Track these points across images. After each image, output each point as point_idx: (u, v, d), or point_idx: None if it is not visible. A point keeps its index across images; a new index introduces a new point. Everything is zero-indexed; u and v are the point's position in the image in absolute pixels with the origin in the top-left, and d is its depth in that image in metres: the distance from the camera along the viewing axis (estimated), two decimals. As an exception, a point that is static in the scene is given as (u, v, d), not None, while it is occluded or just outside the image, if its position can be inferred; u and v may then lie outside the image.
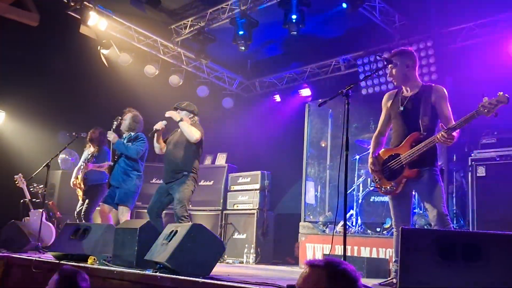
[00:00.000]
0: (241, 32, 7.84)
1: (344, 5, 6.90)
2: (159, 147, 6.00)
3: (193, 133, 5.73)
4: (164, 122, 5.95)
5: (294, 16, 7.14)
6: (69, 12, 7.93)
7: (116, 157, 6.26)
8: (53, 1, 7.81)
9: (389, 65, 4.27)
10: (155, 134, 5.91)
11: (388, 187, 4.16)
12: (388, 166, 4.17)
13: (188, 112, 5.98)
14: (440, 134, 3.82)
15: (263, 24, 8.02)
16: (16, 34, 7.43)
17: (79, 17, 7.82)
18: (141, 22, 8.63)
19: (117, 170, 6.21)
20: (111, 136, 6.13)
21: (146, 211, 8.66)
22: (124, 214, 6.11)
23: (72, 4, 7.87)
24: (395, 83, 4.31)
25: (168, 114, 5.78)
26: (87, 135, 7.10)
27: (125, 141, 6.24)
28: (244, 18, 7.74)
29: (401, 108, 4.19)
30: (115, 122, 6.33)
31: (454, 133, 3.82)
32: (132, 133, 6.34)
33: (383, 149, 4.35)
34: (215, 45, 8.73)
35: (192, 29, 8.61)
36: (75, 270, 3.32)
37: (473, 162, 5.99)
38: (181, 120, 5.76)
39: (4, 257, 5.55)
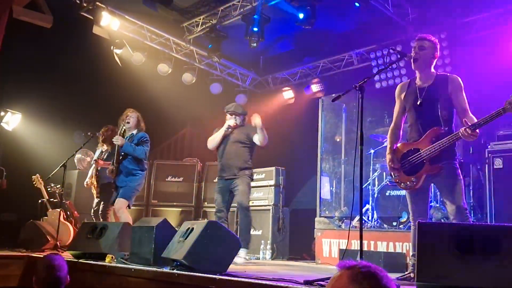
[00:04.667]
0: (255, 29, 7.81)
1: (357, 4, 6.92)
2: (217, 143, 6.27)
3: (266, 140, 6.08)
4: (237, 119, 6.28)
5: (301, 15, 7.15)
6: (82, 13, 7.99)
7: (120, 158, 6.30)
8: (66, 2, 7.86)
9: (419, 45, 4.15)
10: (229, 130, 6.24)
11: (408, 182, 4.12)
12: (408, 161, 4.13)
13: (243, 116, 6.31)
14: (464, 130, 3.77)
15: (274, 20, 7.99)
16: (30, 36, 7.50)
17: (91, 17, 7.87)
18: (153, 21, 8.66)
19: (123, 172, 6.28)
20: (119, 140, 6.18)
21: (162, 209, 8.85)
22: (121, 207, 6.14)
23: (85, 5, 7.92)
24: (414, 66, 4.19)
25: (257, 123, 5.96)
26: (101, 135, 7.16)
27: (128, 140, 6.27)
28: (257, 14, 7.72)
29: (420, 101, 4.14)
30: (123, 127, 6.35)
31: (477, 129, 3.77)
32: (134, 132, 6.37)
33: (401, 143, 4.30)
34: (227, 42, 8.74)
35: (204, 26, 8.62)
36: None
37: (490, 154, 5.92)
38: (262, 130, 6.01)
39: (23, 256, 5.63)
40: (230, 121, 6.26)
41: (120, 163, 6.29)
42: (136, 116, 6.46)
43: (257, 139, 6.11)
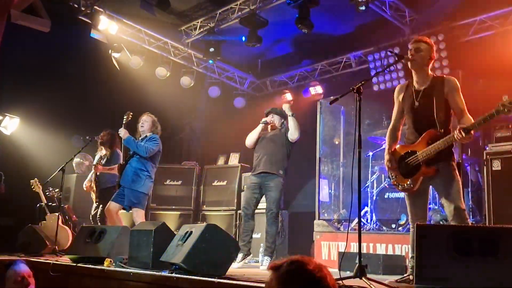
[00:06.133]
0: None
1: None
2: (254, 139, 6.31)
3: (298, 130, 6.12)
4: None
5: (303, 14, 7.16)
6: (80, 17, 7.99)
7: (127, 157, 6.26)
8: (64, 6, 7.87)
9: (415, 47, 4.15)
10: (263, 125, 6.30)
11: (405, 185, 4.13)
12: (405, 163, 4.13)
13: (280, 116, 6.34)
14: (457, 134, 3.77)
15: (272, 23, 8.00)
16: (28, 40, 7.50)
17: (90, 21, 7.88)
18: (151, 25, 8.66)
19: (128, 171, 6.16)
20: (122, 132, 6.13)
21: (160, 212, 8.84)
22: (139, 216, 6.07)
23: (83, 9, 7.92)
24: (410, 65, 4.18)
25: (284, 107, 6.11)
26: (99, 138, 7.15)
27: (139, 137, 6.25)
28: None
29: (416, 104, 4.14)
30: (125, 117, 6.29)
31: (472, 131, 3.77)
32: (148, 135, 6.35)
33: (399, 145, 4.30)
34: (225, 45, 8.74)
35: (202, 30, 8.63)
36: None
37: (488, 156, 5.92)
38: (293, 115, 6.07)
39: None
40: (266, 118, 6.33)
41: (128, 161, 6.22)
42: (151, 120, 6.42)
43: (288, 132, 6.13)
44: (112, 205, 6.14)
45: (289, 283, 1.55)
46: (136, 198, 6.09)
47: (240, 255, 5.74)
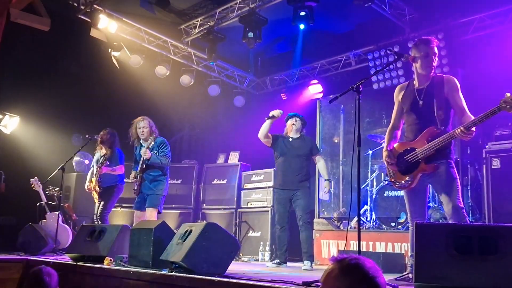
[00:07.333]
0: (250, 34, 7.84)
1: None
2: (266, 134, 6.43)
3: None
4: (281, 111, 6.41)
5: (303, 13, 7.14)
6: (79, 16, 7.99)
7: (143, 166, 6.34)
8: (63, 5, 7.87)
9: (433, 52, 4.14)
10: (270, 120, 6.36)
11: (403, 181, 4.13)
12: (404, 160, 4.14)
13: (302, 122, 6.58)
14: (459, 130, 3.77)
15: (272, 21, 8.00)
16: (28, 39, 7.50)
17: (89, 20, 7.87)
18: (151, 23, 8.66)
19: (147, 180, 6.37)
20: (147, 154, 6.23)
21: (166, 211, 8.83)
22: (152, 216, 6.24)
23: (82, 7, 7.92)
24: (424, 73, 4.16)
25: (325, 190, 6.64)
26: (99, 137, 7.14)
27: (146, 148, 6.29)
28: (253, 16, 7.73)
29: (421, 103, 4.13)
30: (147, 142, 6.38)
31: (473, 128, 3.77)
32: (151, 138, 6.37)
33: (397, 143, 4.31)
34: (225, 43, 8.74)
35: (201, 28, 8.62)
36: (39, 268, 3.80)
37: (487, 154, 5.93)
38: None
39: (22, 259, 5.62)
40: (276, 112, 6.37)
41: (145, 172, 6.37)
42: (148, 126, 6.50)
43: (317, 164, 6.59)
44: (137, 213, 6.41)
45: (349, 273, 1.75)
46: (156, 199, 6.35)
47: (276, 260, 6.33)
